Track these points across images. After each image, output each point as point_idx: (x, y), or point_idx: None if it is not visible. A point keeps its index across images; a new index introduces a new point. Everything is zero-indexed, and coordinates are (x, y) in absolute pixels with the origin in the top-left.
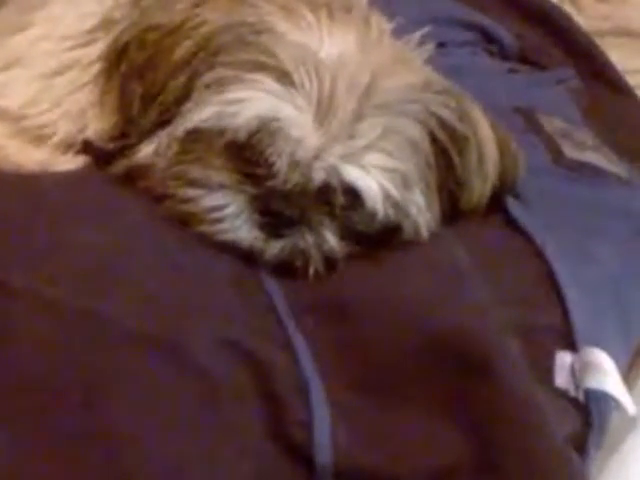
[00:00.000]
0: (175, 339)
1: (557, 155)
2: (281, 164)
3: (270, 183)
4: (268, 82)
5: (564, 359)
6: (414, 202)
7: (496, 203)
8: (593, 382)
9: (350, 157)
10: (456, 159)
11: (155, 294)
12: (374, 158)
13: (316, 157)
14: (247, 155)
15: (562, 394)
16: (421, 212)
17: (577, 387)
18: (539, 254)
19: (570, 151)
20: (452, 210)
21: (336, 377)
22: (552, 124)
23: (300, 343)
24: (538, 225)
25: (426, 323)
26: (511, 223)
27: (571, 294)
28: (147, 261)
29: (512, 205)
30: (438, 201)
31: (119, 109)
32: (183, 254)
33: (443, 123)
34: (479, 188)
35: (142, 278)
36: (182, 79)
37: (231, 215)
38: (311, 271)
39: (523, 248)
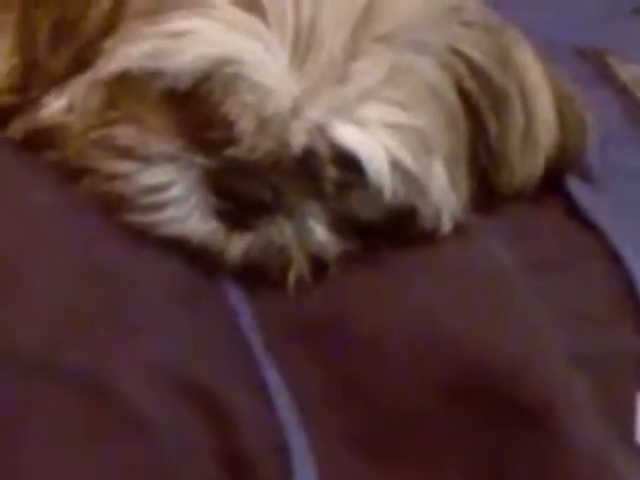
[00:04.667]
0: (95, 374)
1: (638, 115)
2: (244, 124)
3: (230, 152)
4: (224, 7)
5: None
6: (435, 176)
7: (554, 184)
8: None
9: (342, 110)
10: (492, 122)
11: (68, 309)
12: (376, 110)
13: (294, 113)
14: (196, 112)
15: None
16: (444, 191)
17: None
18: (614, 255)
19: None
20: (488, 192)
21: (326, 430)
22: (630, 72)
23: (276, 382)
24: (613, 215)
25: (454, 354)
26: (575, 212)
27: None
28: (55, 263)
29: (576, 187)
30: (468, 178)
31: (18, 47)
32: (108, 253)
33: (475, 68)
34: (526, 163)
35: (48, 286)
36: (106, 3)
37: (177, 198)
38: (291, 278)
39: (592, 247)
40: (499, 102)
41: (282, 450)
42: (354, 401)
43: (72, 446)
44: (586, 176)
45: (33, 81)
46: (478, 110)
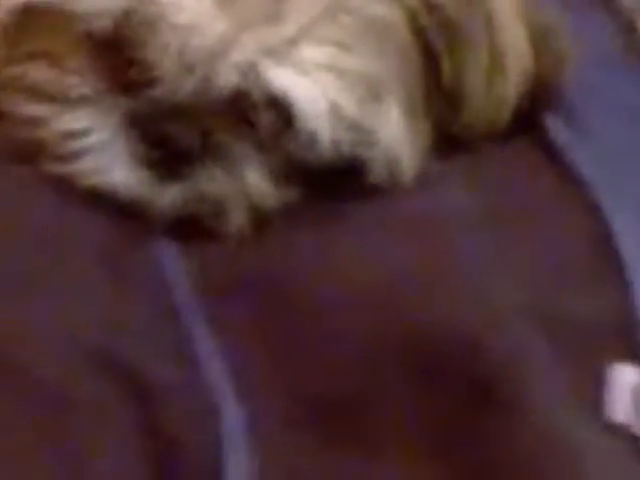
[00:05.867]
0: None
1: (633, 41)
2: (166, 65)
3: (152, 93)
4: None
5: (624, 376)
6: (386, 123)
7: (527, 122)
8: None
9: (275, 50)
10: (446, 60)
11: None
12: (314, 51)
13: (220, 52)
14: (116, 53)
15: (619, 431)
16: (400, 140)
17: None
18: (593, 207)
19: None
20: (450, 136)
21: (269, 404)
22: None
23: (210, 352)
24: (595, 160)
25: (406, 318)
26: (551, 156)
27: (638, 269)
28: None
29: (554, 126)
30: (427, 122)
31: None
32: (17, 207)
33: (432, 3)
34: (491, 103)
35: None
36: None
37: (98, 145)
38: (229, 230)
39: (567, 197)
40: (457, 39)
41: (212, 415)
42: (302, 371)
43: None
44: (567, 115)
45: None
46: (433, 48)
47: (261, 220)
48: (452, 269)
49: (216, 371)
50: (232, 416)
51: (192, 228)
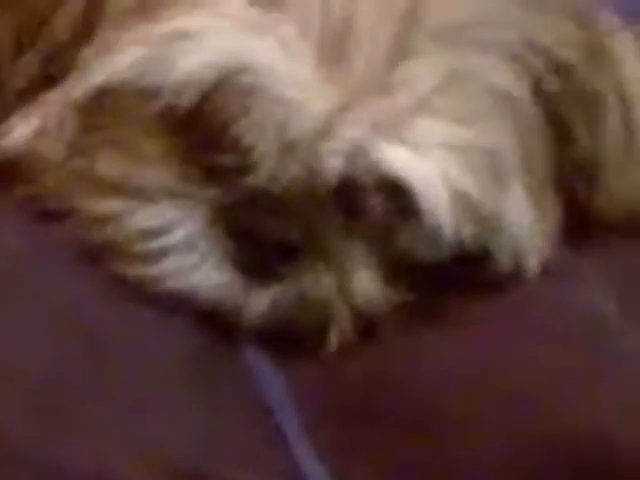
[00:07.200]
0: (86, 469)
1: None
2: (263, 147)
3: (247, 182)
4: (235, 1)
5: None
6: (511, 207)
7: None
8: None
9: (387, 127)
10: (581, 130)
11: (49, 387)
12: (431, 126)
13: (326, 131)
14: (200, 133)
15: None
16: (525, 225)
17: None
18: None
19: None
20: (581, 222)
21: None
22: None
23: (318, 476)
24: None
25: (552, 430)
26: None
27: None
28: (27, 327)
29: None
30: (556, 204)
31: None
32: (96, 314)
33: (557, 65)
34: (629, 181)
35: (22, 362)
36: (78, 2)
37: (181, 244)
38: (332, 341)
39: None
40: (589, 105)
41: None
42: None
43: None
44: None
45: None
46: (562, 117)
47: (369, 327)
48: (611, 378)
49: None
50: None
51: (286, 336)
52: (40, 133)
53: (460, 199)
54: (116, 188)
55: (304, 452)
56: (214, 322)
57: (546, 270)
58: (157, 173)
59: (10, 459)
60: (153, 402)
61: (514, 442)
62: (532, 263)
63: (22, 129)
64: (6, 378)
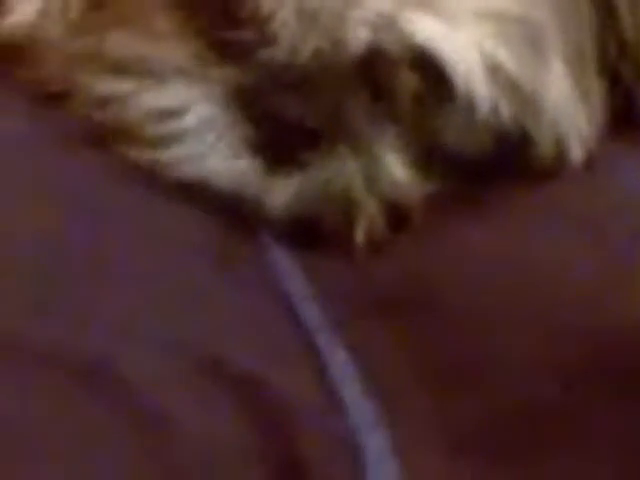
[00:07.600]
0: (101, 360)
1: None
2: (282, 17)
3: (264, 55)
4: None
5: None
6: (552, 83)
7: None
8: None
9: None
10: (623, 9)
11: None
12: None
13: (351, 0)
14: (214, 6)
15: None
16: (567, 106)
17: None
18: None
19: None
20: (627, 109)
21: (416, 429)
22: None
23: (346, 369)
24: None
25: (591, 325)
26: None
27: None
28: (38, 214)
29: None
30: (600, 91)
31: None
32: (105, 201)
33: None
34: None
35: (27, 245)
36: None
37: (195, 127)
38: (360, 235)
39: None
40: None
41: (353, 453)
42: (454, 393)
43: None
44: None
45: None
46: (611, 2)
47: (399, 218)
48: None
49: (354, 391)
50: (375, 443)
51: (311, 229)
52: (43, 12)
53: (496, 72)
54: (125, 68)
55: (330, 344)
56: (233, 213)
57: (589, 161)
58: (170, 51)
59: (8, 345)
60: (163, 285)
61: (554, 337)
62: (576, 152)
63: (24, 8)
64: (5, 258)
